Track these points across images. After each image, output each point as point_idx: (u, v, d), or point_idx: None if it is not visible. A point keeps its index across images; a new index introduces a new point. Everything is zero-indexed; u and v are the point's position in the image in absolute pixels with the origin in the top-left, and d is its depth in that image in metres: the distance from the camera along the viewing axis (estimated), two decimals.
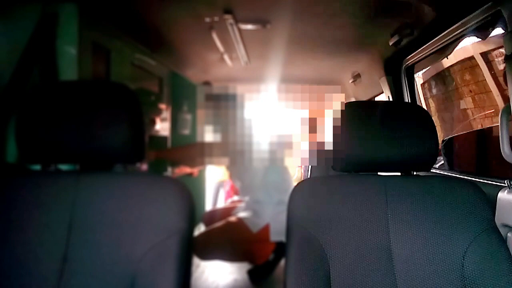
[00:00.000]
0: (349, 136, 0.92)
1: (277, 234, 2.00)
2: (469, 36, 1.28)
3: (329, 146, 0.95)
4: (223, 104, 1.43)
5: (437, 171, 1.64)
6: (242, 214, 2.11)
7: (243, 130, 1.37)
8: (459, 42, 1.40)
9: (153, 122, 2.20)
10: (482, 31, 1.19)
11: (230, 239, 2.01)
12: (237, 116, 1.40)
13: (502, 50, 1.00)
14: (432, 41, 1.41)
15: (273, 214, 1.99)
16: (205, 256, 2.08)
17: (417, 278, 0.84)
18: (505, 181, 1.02)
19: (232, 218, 2.10)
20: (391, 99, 1.90)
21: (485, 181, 1.15)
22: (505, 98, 1.04)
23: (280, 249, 2.10)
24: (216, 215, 2.39)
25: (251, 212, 2.08)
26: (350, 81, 2.44)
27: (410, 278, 0.84)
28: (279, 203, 2.02)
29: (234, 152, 1.33)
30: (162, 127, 2.34)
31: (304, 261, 0.85)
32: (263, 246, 2.08)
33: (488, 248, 0.84)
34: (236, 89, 1.48)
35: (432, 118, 0.94)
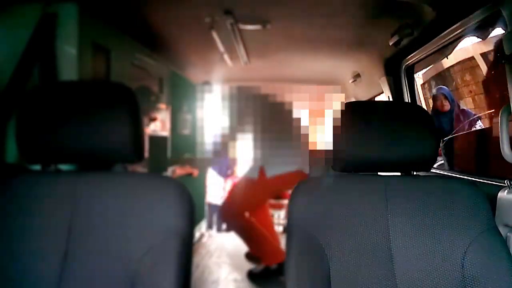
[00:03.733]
0: (349, 136, 0.92)
1: None
2: (469, 36, 1.28)
3: (329, 146, 0.95)
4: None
5: (437, 171, 1.64)
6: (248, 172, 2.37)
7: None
8: (459, 42, 1.40)
9: (154, 120, 2.19)
10: (482, 31, 1.19)
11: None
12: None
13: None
14: (432, 41, 1.40)
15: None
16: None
17: (417, 278, 0.84)
18: (505, 181, 1.02)
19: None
20: (391, 99, 1.90)
21: (485, 181, 1.15)
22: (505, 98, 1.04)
23: None
24: (235, 204, 2.46)
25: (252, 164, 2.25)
26: (350, 81, 2.44)
27: (410, 277, 0.84)
28: None
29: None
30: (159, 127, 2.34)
31: (304, 261, 0.85)
32: (277, 249, 2.16)
33: (488, 248, 0.84)
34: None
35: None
